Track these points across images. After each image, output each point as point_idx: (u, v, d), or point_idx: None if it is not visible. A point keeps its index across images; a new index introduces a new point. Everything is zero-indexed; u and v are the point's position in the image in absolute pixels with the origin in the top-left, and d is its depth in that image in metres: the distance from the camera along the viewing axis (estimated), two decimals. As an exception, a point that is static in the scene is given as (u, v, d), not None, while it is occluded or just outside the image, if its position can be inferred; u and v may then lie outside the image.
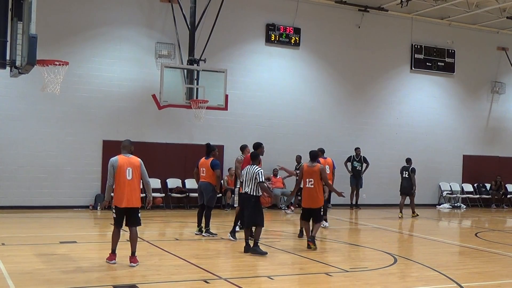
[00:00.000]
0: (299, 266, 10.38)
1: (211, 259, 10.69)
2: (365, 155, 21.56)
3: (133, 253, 9.60)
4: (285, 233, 14.48)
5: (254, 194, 11.06)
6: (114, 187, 9.57)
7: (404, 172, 19.01)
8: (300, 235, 13.04)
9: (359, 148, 21.42)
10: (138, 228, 9.77)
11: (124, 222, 9.64)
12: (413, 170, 18.86)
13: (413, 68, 23.35)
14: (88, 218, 16.61)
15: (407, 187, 18.80)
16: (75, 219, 15.95)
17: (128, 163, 9.55)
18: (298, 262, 10.61)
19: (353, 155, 21.43)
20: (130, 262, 9.50)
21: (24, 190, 17.33)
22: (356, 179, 21.37)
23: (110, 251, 9.67)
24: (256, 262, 10.52)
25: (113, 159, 9.60)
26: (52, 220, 15.65)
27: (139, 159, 9.71)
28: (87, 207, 17.89)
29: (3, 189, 17.16)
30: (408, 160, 19.24)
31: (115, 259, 9.63)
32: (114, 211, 9.64)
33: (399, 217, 18.47)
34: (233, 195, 18.92)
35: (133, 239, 9.62)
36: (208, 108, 16.79)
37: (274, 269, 10.05)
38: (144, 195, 9.98)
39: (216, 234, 13.04)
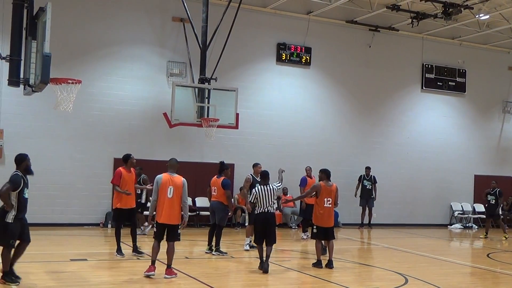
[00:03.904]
0: (309, 285, 10.33)
1: (221, 277, 10.66)
2: (376, 174, 21.48)
3: (168, 265, 10.07)
4: (295, 251, 14.42)
5: (274, 212, 11.45)
6: (157, 203, 10.13)
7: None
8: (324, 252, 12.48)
9: (369, 168, 21.38)
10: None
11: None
12: (500, 193, 19.79)
13: (424, 88, 23.34)
14: (99, 235, 16.63)
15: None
16: (86, 237, 15.98)
17: (171, 182, 10.09)
18: (308, 282, 10.56)
19: (363, 174, 21.38)
20: (165, 274, 9.95)
21: (35, 208, 17.22)
22: (365, 199, 21.29)
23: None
24: (266, 281, 10.49)
25: (158, 176, 10.22)
26: (63, 237, 15.68)
27: (183, 179, 10.21)
28: (97, 224, 17.93)
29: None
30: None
31: (153, 271, 9.98)
32: (155, 225, 10.23)
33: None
34: (243, 214, 18.91)
35: (170, 253, 10.11)
36: (219, 126, 16.82)
37: (284, 288, 10.02)
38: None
39: (226, 253, 13.02)
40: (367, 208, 21.27)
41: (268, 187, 11.26)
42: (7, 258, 8.89)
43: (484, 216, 23.62)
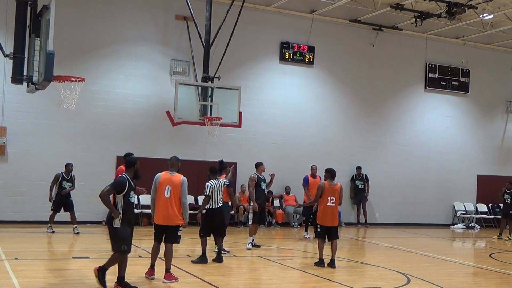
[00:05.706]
0: (311, 284, 10.32)
1: (224, 276, 10.65)
2: (378, 174, 21.51)
3: (167, 269, 9.59)
4: (297, 250, 14.40)
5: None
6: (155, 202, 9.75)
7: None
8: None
9: (360, 168, 21.47)
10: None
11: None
12: None
13: (427, 87, 23.31)
14: (101, 233, 16.61)
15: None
16: (88, 235, 15.99)
17: (169, 181, 9.60)
18: (310, 281, 10.55)
19: (355, 174, 21.44)
20: (164, 279, 9.49)
21: (38, 205, 17.39)
22: (359, 198, 21.37)
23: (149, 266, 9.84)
24: (268, 280, 10.48)
25: (157, 174, 9.77)
26: (65, 235, 15.68)
27: (183, 178, 9.68)
28: (100, 222, 17.92)
29: (18, 204, 17.26)
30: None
31: (154, 274, 9.73)
32: (153, 226, 9.86)
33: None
34: (245, 212, 18.91)
35: (167, 256, 9.63)
36: (221, 125, 16.84)
37: (286, 287, 10.00)
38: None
39: (228, 252, 13.01)
40: (361, 207, 21.42)
41: (219, 182, 11.67)
42: (123, 264, 8.73)
43: (487, 216, 23.68)
